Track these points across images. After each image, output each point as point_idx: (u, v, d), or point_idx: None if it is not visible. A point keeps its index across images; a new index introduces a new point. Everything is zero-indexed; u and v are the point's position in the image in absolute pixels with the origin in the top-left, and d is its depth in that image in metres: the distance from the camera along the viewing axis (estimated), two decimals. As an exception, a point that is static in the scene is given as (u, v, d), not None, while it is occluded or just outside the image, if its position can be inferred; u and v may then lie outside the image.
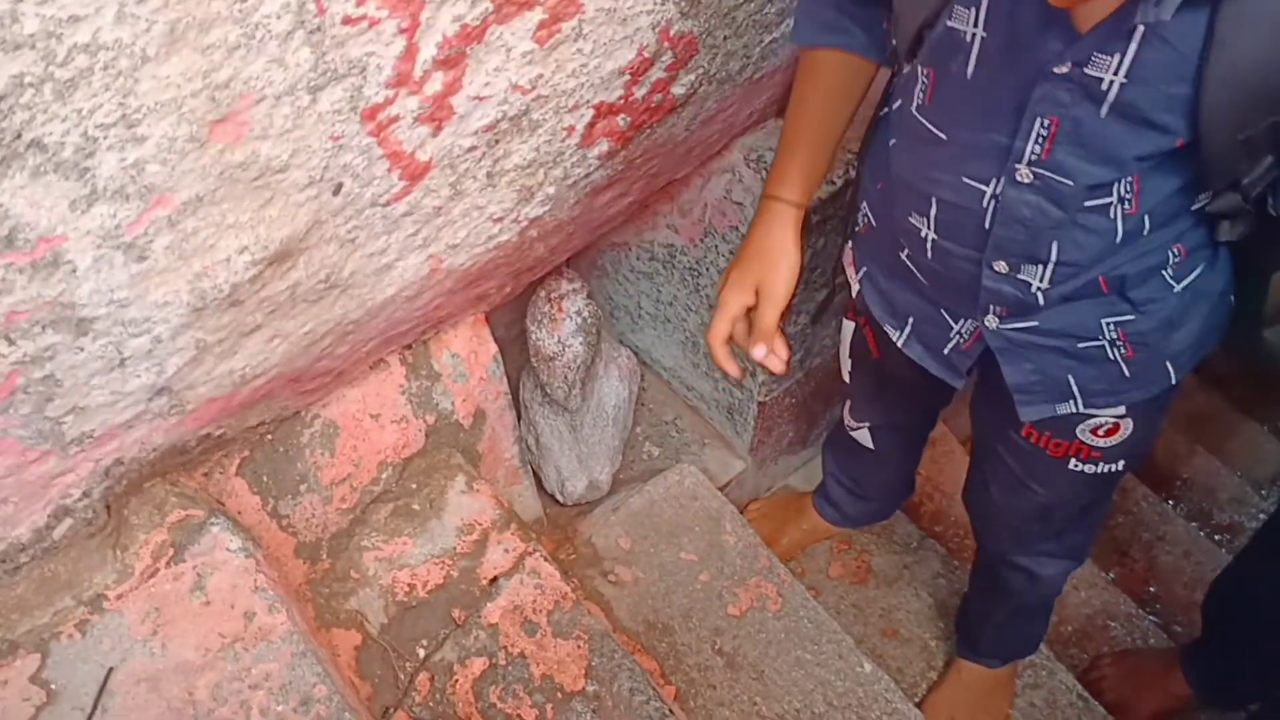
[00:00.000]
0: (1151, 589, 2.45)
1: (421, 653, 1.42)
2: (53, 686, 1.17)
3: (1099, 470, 1.37)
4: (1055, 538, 1.58)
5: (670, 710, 1.41)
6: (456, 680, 1.40)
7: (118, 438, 1.10)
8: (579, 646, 1.43)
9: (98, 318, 0.93)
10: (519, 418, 1.84)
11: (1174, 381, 1.23)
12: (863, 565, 2.14)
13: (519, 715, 1.38)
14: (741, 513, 1.95)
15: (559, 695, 1.40)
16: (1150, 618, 2.28)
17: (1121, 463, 1.37)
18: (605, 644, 1.44)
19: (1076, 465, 1.36)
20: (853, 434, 1.82)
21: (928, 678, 2.00)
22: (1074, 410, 1.25)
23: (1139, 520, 2.55)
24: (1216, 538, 2.65)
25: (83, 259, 0.87)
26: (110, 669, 1.18)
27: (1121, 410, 1.26)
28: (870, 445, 1.83)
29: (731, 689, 1.70)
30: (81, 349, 0.95)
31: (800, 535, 2.11)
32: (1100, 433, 1.31)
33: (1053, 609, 1.88)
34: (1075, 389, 1.23)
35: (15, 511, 1.09)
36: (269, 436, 1.39)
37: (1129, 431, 1.30)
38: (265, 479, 1.39)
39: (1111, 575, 2.40)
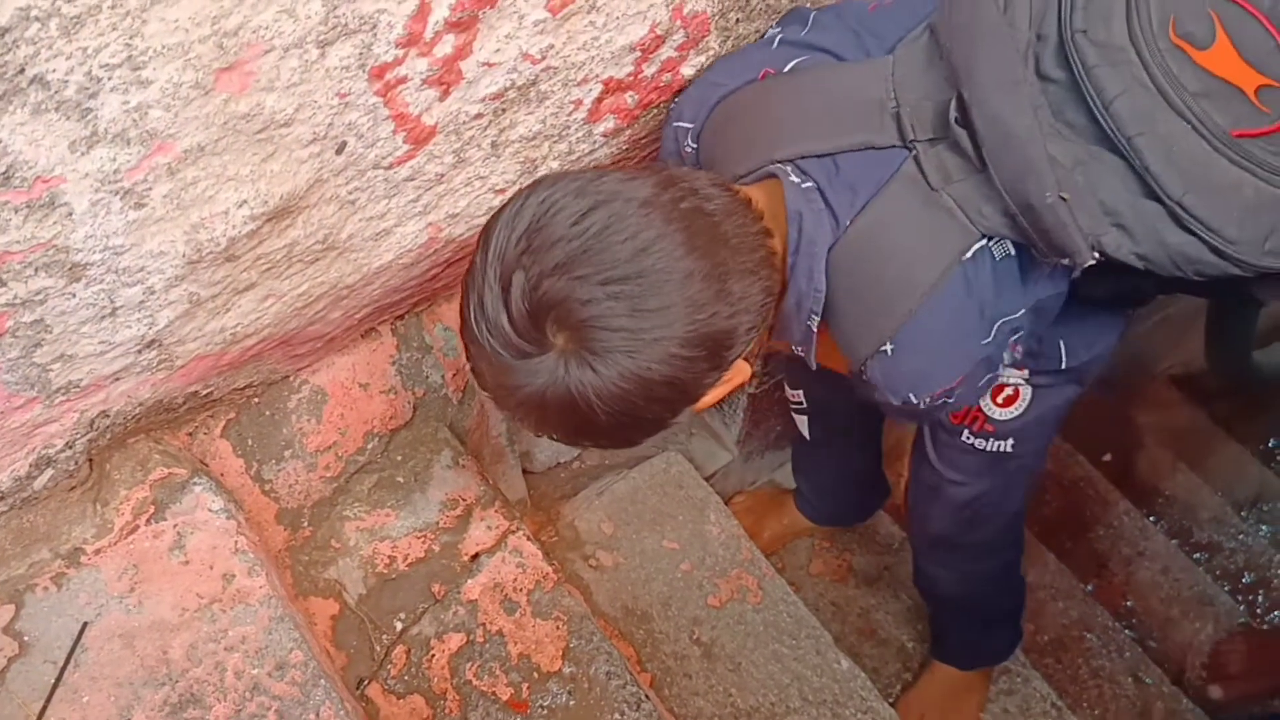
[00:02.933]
0: (1129, 603, 2.45)
1: (399, 625, 1.41)
2: (26, 638, 1.16)
3: (989, 448, 1.41)
4: (956, 537, 1.61)
5: (647, 696, 1.41)
6: (433, 655, 1.39)
7: (104, 389, 1.09)
8: (558, 627, 1.43)
9: (91, 263, 0.92)
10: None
11: (1063, 364, 1.29)
12: (843, 564, 2.14)
13: (494, 693, 1.38)
14: (726, 504, 1.94)
15: (535, 675, 1.39)
16: (1126, 631, 2.29)
17: (1010, 442, 1.40)
18: (584, 626, 1.43)
19: (969, 438, 1.41)
20: (794, 415, 1.85)
21: (903, 679, 2.00)
22: None
23: (1119, 534, 2.55)
24: (1195, 556, 2.66)
25: (80, 202, 0.86)
26: (85, 624, 1.16)
27: (1025, 375, 1.32)
28: (807, 434, 1.84)
29: (707, 679, 1.69)
30: (73, 295, 0.94)
31: (782, 530, 2.11)
32: (1000, 400, 1.35)
33: (1020, 616, 1.89)
34: None
35: (-3, 458, 1.08)
36: (256, 400, 1.37)
37: (1025, 405, 1.34)
38: (250, 442, 1.38)
39: (1090, 587, 2.41)
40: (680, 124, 1.18)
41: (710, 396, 0.98)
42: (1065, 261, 0.98)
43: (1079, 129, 0.97)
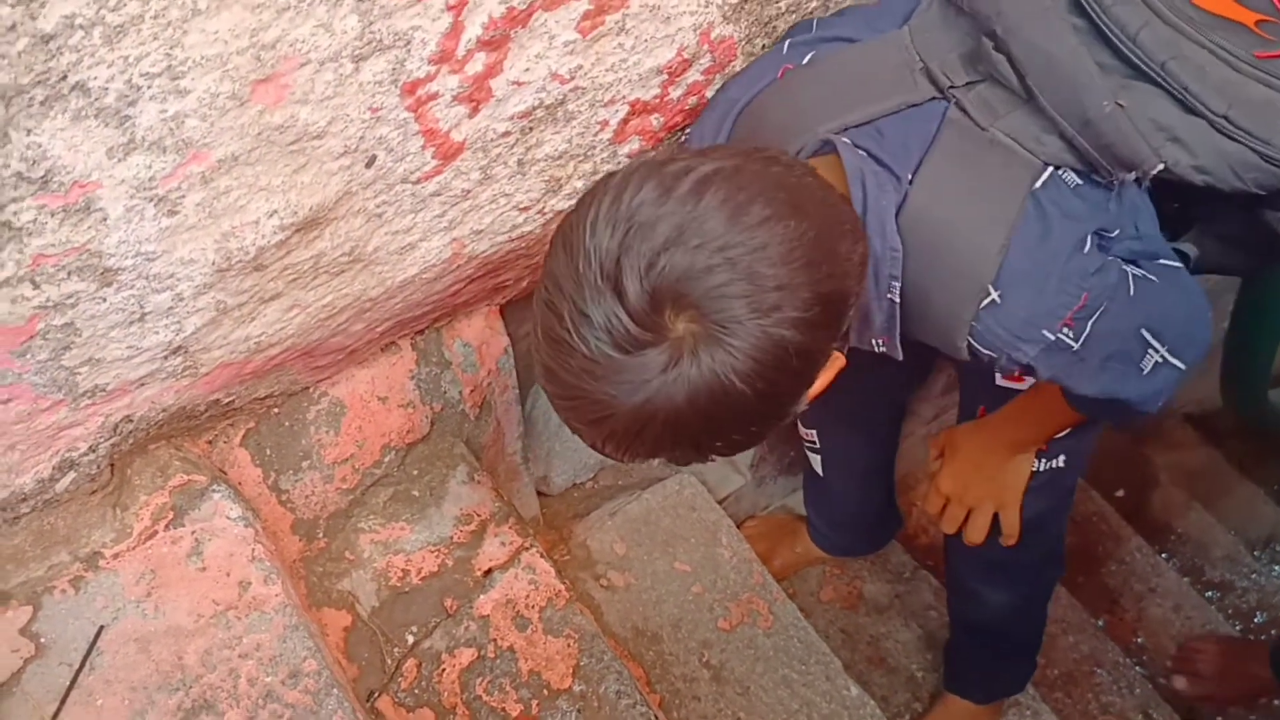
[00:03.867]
0: (1139, 640, 2.44)
1: (411, 639, 1.42)
2: (42, 640, 1.16)
3: (1042, 467, 1.45)
4: (1010, 559, 1.60)
5: (656, 716, 1.41)
6: (444, 669, 1.40)
7: (129, 394, 1.10)
8: (569, 645, 1.43)
9: (123, 269, 0.93)
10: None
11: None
12: (854, 591, 2.13)
13: (504, 709, 1.38)
14: (738, 528, 1.94)
15: (545, 692, 1.39)
16: (1137, 668, 2.28)
17: (1062, 459, 1.44)
18: (595, 645, 1.44)
19: None
20: (808, 453, 1.86)
21: (912, 709, 1.99)
22: None
23: (1132, 570, 2.55)
24: (1208, 594, 2.65)
25: (114, 208, 0.87)
26: (101, 627, 1.17)
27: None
28: (820, 472, 1.86)
29: (716, 703, 1.69)
30: (104, 299, 0.95)
31: (794, 557, 2.11)
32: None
33: (1038, 649, 1.89)
34: None
35: (21, 459, 1.09)
36: (276, 410, 1.38)
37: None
38: (268, 452, 1.39)
39: (1101, 622, 2.40)
40: (703, 145, 1.19)
41: (819, 383, 0.93)
42: (1132, 176, 0.99)
43: (1109, 68, 0.99)
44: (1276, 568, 2.83)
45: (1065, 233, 0.98)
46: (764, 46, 1.21)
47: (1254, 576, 2.74)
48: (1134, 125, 0.97)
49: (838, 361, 0.95)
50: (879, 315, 1.03)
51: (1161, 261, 1.07)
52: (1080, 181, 1.01)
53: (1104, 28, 0.99)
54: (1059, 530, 1.70)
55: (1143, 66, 0.98)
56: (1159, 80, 0.98)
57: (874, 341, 1.08)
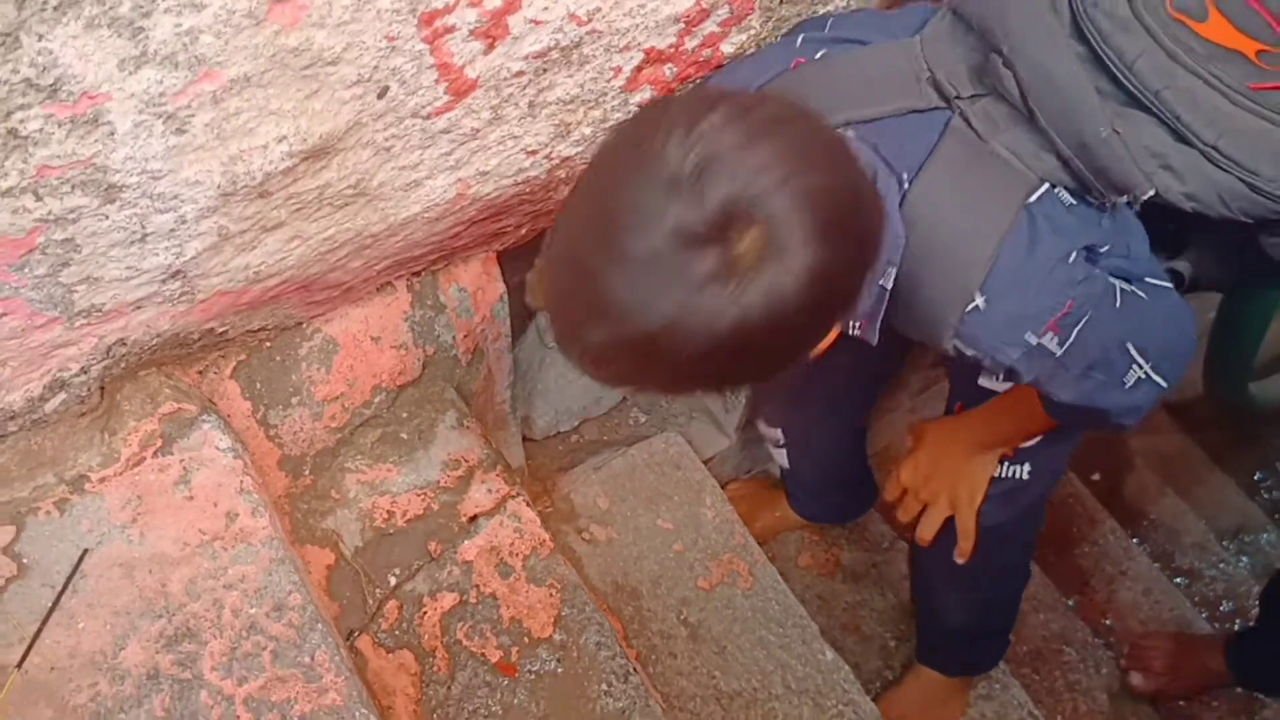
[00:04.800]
0: (1108, 621, 2.47)
1: (393, 580, 1.42)
2: (25, 560, 1.15)
3: (1005, 473, 1.46)
4: (972, 567, 1.58)
5: (635, 669, 1.41)
6: (425, 612, 1.39)
7: (125, 316, 1.08)
8: (551, 595, 1.43)
9: (128, 186, 0.91)
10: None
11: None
12: (832, 559, 2.14)
13: (484, 654, 1.38)
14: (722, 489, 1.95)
15: (526, 640, 1.39)
16: (1105, 649, 2.31)
17: (1027, 468, 1.45)
18: (577, 596, 1.44)
19: None
20: (771, 450, 1.88)
21: (883, 676, 2.01)
22: None
23: (1104, 552, 2.57)
24: (1177, 580, 2.68)
25: (123, 122, 0.86)
26: (86, 550, 1.16)
27: None
28: (786, 464, 1.89)
29: (691, 660, 1.70)
30: (106, 216, 0.93)
31: (773, 521, 2.11)
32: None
33: (1011, 629, 1.90)
34: None
35: (12, 376, 1.07)
36: (268, 344, 1.37)
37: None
38: (258, 385, 1.38)
39: (1071, 602, 2.43)
40: None
41: (829, 338, 0.92)
42: (1125, 199, 1.01)
43: (1106, 94, 1.01)
44: (1244, 558, 2.86)
45: (1053, 246, 1.01)
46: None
47: (1222, 566, 2.78)
48: (1128, 151, 0.99)
49: (835, 331, 0.95)
50: (867, 299, 1.05)
51: (1150, 280, 1.09)
52: (1074, 201, 1.04)
53: (1102, 55, 1.01)
54: (1024, 545, 1.71)
55: (1138, 94, 1.00)
56: (1153, 108, 1.00)
57: (852, 325, 1.09)
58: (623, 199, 0.81)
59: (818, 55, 1.12)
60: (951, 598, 1.79)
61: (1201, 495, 2.96)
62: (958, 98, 1.04)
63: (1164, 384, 1.10)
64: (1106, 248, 1.06)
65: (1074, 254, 1.02)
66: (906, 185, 1.01)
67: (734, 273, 0.79)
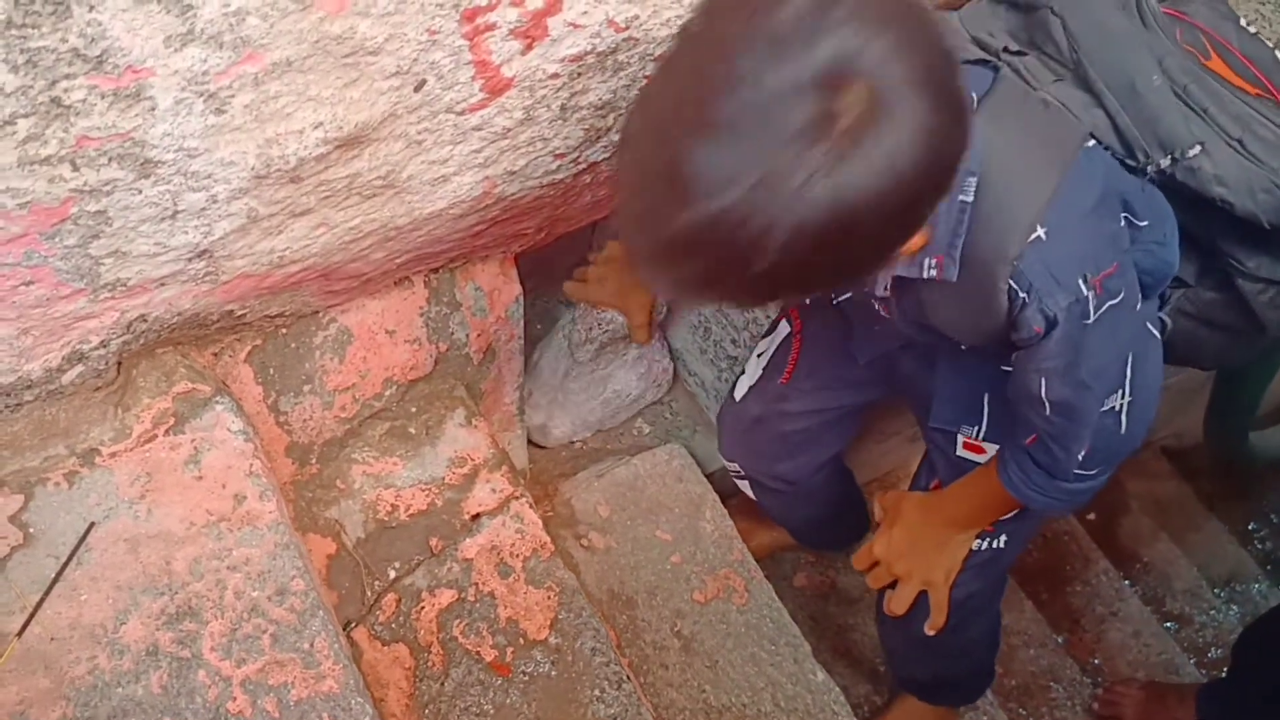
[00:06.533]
0: (1096, 660, 2.48)
1: (393, 574, 1.42)
2: (31, 530, 1.16)
3: (983, 546, 1.46)
4: (940, 640, 1.55)
5: (628, 677, 1.41)
6: (423, 607, 1.40)
7: (149, 292, 1.09)
8: (549, 597, 1.43)
9: (164, 162, 0.92)
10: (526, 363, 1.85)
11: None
12: (827, 581, 2.15)
13: (479, 653, 1.38)
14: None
15: (522, 641, 1.40)
16: (1092, 687, 2.31)
17: (1004, 539, 1.45)
18: (575, 600, 1.44)
19: None
20: (735, 481, 1.82)
21: (871, 701, 2.01)
22: None
23: (1096, 592, 2.58)
24: (1167, 625, 2.69)
25: (164, 98, 0.86)
26: (92, 523, 1.17)
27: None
28: (751, 494, 1.83)
29: (683, 673, 1.70)
30: (139, 191, 0.94)
31: (770, 540, 2.11)
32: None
33: (992, 665, 1.89)
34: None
35: (34, 345, 1.08)
36: (284, 330, 1.38)
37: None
38: (271, 371, 1.39)
39: (1061, 639, 2.43)
40: None
41: (917, 238, 0.87)
42: (1167, 160, 1.03)
43: None
44: (1234, 607, 2.87)
45: (1108, 190, 1.02)
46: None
47: (1212, 613, 2.79)
48: (1176, 103, 1.03)
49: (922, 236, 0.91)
50: (944, 225, 1.00)
51: (1150, 327, 1.12)
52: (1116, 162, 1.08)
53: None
54: (994, 613, 1.69)
55: (1169, 84, 1.04)
56: (1183, 100, 1.03)
57: (927, 265, 1.03)
58: (719, 63, 0.75)
59: None
60: (920, 664, 1.80)
61: (1195, 542, 2.97)
62: (1005, 50, 1.05)
63: (1123, 430, 1.12)
64: (1146, 223, 1.06)
65: (1122, 218, 1.04)
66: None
67: (835, 131, 0.73)
